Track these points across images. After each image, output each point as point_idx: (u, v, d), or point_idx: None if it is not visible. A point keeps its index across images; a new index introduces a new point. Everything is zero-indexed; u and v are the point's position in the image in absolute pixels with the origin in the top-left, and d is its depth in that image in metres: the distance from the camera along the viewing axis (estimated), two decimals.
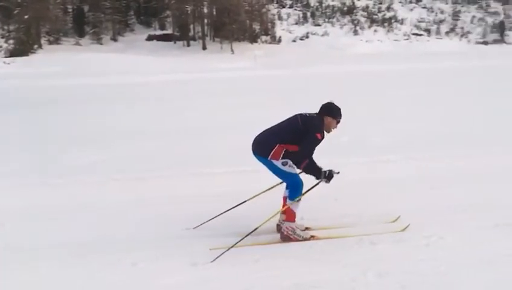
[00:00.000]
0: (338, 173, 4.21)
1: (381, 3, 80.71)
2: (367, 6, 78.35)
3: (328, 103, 4.37)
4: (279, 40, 57.58)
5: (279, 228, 4.45)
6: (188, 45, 50.32)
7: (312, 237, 4.32)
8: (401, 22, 75.72)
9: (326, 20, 71.57)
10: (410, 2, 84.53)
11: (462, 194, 5.38)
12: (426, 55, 41.53)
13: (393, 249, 4.02)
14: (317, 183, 4.27)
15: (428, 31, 76.37)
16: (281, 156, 4.15)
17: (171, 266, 3.82)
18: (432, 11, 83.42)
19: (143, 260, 3.92)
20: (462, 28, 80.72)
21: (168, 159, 7.60)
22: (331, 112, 4.29)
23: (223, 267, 3.74)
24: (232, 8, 48.93)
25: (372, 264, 3.73)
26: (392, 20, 74.79)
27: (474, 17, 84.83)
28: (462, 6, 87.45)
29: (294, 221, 4.30)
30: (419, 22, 78.59)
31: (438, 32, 76.46)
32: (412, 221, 4.50)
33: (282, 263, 3.83)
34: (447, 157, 7.03)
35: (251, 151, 4.34)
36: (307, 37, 62.92)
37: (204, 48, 49.27)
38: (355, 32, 68.65)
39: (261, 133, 4.38)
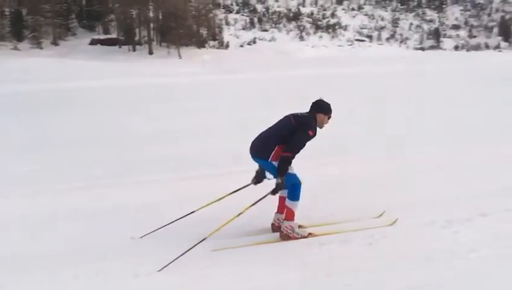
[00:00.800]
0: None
1: (325, 10, 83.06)
2: (312, 13, 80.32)
3: (318, 101, 4.47)
4: (227, 45, 57.63)
5: (274, 227, 4.53)
6: (134, 50, 49.16)
7: (310, 234, 4.40)
8: (345, 28, 78.23)
9: (273, 25, 72.62)
10: (353, 10, 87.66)
11: (398, 192, 5.55)
12: (368, 60, 43.11)
13: (341, 249, 4.10)
14: (268, 194, 4.21)
15: (370, 37, 79.38)
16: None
17: (114, 278, 3.69)
18: (373, 18, 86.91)
19: (84, 273, 3.76)
20: (401, 34, 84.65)
21: (113, 166, 7.34)
22: (322, 108, 4.41)
23: (167, 276, 3.65)
24: (179, 13, 48.32)
25: (322, 265, 3.79)
26: (336, 27, 77.08)
27: (412, 24, 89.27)
28: (400, 14, 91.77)
29: (293, 220, 4.37)
30: (362, 28, 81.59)
31: (379, 38, 79.67)
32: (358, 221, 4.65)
33: (232, 269, 3.80)
34: (379, 159, 7.28)
35: (250, 155, 4.37)
36: (255, 42, 63.43)
37: (150, 52, 48.33)
38: (301, 38, 70.07)
39: (257, 137, 4.43)
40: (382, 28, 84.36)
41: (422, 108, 12.80)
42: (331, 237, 4.31)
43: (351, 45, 71.86)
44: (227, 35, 61.10)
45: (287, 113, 4.47)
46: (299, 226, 4.46)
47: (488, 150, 7.60)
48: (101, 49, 48.04)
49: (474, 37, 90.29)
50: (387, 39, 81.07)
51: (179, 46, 47.48)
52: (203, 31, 55.02)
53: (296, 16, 76.89)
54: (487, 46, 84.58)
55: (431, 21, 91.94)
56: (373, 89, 18.64)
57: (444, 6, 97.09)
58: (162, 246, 4.20)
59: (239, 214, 4.18)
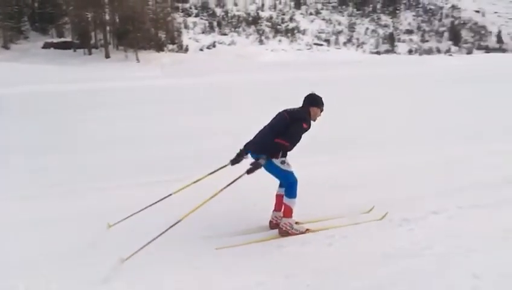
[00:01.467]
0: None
1: (284, 15, 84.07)
2: (271, 17, 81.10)
3: (311, 95, 4.59)
4: (186, 49, 57.15)
5: (272, 225, 4.66)
6: (90, 53, 47.85)
7: (307, 230, 4.51)
8: (303, 32, 79.47)
9: (233, 29, 72.70)
10: (311, 14, 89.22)
11: (356, 193, 5.62)
12: (327, 63, 43.91)
13: (300, 250, 4.10)
14: (243, 174, 4.22)
15: (328, 41, 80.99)
16: (280, 154, 4.28)
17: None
18: (331, 23, 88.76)
19: (36, 285, 3.57)
20: (357, 38, 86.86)
21: (68, 173, 7.06)
22: (315, 102, 4.52)
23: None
24: (136, 16, 47.48)
25: (281, 267, 3.78)
26: (295, 31, 78.14)
27: (367, 29, 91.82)
28: (356, 19, 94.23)
29: (291, 217, 4.47)
30: (320, 32, 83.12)
31: (336, 43, 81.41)
32: (317, 222, 4.68)
33: (185, 275, 3.73)
34: (341, 160, 7.37)
35: (248, 153, 4.50)
36: (214, 46, 63.28)
37: (107, 56, 47.18)
38: (261, 42, 70.52)
39: (255, 136, 4.54)
40: (339, 32, 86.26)
41: (381, 110, 13.08)
42: (291, 239, 4.31)
43: (309, 49, 72.99)
44: (186, 38, 60.63)
45: (280, 110, 4.53)
46: (296, 223, 4.55)
47: (442, 150, 7.83)
48: (54, 52, 46.47)
49: (427, 41, 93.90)
50: (345, 43, 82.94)
51: (136, 49, 46.61)
52: (162, 35, 54.32)
53: (255, 20, 77.40)
54: (438, 51, 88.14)
55: (386, 26, 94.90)
56: (334, 92, 18.94)
57: (397, 11, 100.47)
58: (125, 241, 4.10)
59: (213, 196, 4.18)
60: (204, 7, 76.80)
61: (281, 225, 4.48)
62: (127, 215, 4.53)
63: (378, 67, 37.44)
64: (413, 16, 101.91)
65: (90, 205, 5.50)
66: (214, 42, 64.11)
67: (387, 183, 6.00)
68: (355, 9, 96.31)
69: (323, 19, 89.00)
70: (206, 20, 73.18)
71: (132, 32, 47.05)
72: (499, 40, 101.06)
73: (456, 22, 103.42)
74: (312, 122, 4.45)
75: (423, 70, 33.48)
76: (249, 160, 4.40)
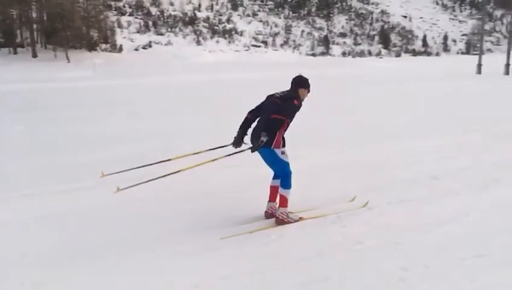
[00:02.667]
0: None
1: (221, 16, 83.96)
2: (208, 18, 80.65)
3: (299, 76, 4.82)
4: (120, 49, 55.40)
5: (267, 214, 4.87)
6: (15, 53, 45.00)
7: (300, 218, 4.74)
8: (241, 33, 79.88)
9: (169, 29, 71.42)
10: (248, 16, 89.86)
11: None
12: (265, 65, 44.43)
13: (237, 251, 4.05)
14: (244, 150, 4.62)
15: (265, 42, 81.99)
16: (281, 143, 4.53)
17: None
18: (268, 25, 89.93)
19: None
20: (294, 41, 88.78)
21: None
22: (303, 83, 4.74)
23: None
24: (66, 14, 45.26)
25: (216, 268, 3.71)
26: (233, 32, 78.33)
27: (303, 31, 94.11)
28: (293, 21, 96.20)
29: (287, 206, 4.67)
30: (257, 34, 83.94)
31: (274, 44, 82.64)
32: (256, 223, 4.68)
33: (117, 276, 3.58)
34: None
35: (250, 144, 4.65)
36: (150, 46, 61.92)
37: (34, 55, 44.58)
38: (198, 43, 69.95)
39: (255, 129, 4.67)
40: (276, 34, 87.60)
41: (315, 110, 13.36)
42: (227, 241, 4.24)
43: (247, 50, 73.48)
44: (120, 38, 58.76)
45: (269, 94, 4.71)
46: (289, 212, 4.73)
47: (371, 148, 8.10)
48: None
49: (359, 44, 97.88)
50: (282, 45, 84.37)
51: (66, 49, 44.47)
52: (94, 34, 52.25)
53: (192, 20, 76.57)
54: (370, 53, 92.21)
55: (320, 29, 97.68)
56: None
57: (331, 15, 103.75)
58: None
59: (213, 160, 4.64)
60: (139, 6, 74.75)
61: (278, 214, 4.69)
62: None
63: (314, 68, 38.40)
64: (346, 19, 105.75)
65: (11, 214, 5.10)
66: (150, 42, 62.75)
67: (318, 182, 6.08)
68: (291, 12, 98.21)
69: (260, 21, 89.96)
70: (141, 19, 71.33)
71: (61, 30, 44.81)
72: (424, 43, 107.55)
73: (386, 26, 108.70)
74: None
75: (356, 71, 34.82)
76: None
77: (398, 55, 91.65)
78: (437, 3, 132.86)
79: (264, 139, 4.31)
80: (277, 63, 46.85)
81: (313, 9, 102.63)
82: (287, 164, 4.62)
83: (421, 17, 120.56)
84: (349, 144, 8.45)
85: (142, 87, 22.66)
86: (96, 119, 12.06)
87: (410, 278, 3.43)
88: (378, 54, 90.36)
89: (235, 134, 4.75)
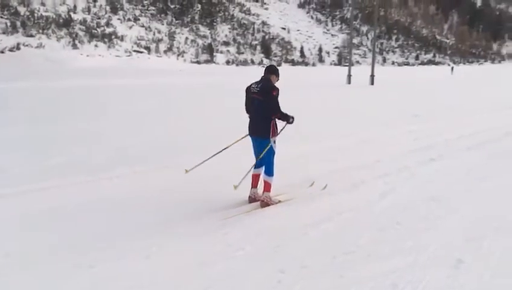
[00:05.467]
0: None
1: (99, 19, 79.88)
2: (85, 20, 76.17)
3: (270, 66, 5.55)
4: None
5: (250, 199, 5.49)
6: None
7: (279, 201, 5.48)
8: (122, 38, 76.85)
9: (41, 31, 65.88)
10: (129, 20, 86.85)
11: (162, 206, 5.51)
12: (148, 71, 43.28)
13: (116, 266, 3.82)
14: (285, 126, 5.43)
15: (148, 48, 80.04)
16: (276, 132, 5.34)
17: None
18: (150, 30, 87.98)
19: None
20: (178, 48, 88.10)
21: None
22: (274, 71, 5.42)
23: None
24: None
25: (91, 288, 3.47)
26: (113, 36, 75.00)
27: (187, 38, 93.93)
28: (176, 28, 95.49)
29: (270, 191, 5.38)
30: (139, 39, 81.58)
31: (157, 51, 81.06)
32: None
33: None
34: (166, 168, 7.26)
35: (251, 138, 5.46)
36: (19, 48, 56.48)
37: None
38: (75, 46, 65.69)
39: (253, 123, 5.37)
40: (160, 40, 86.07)
41: (200, 119, 13.37)
42: (104, 255, 3.99)
43: (129, 55, 70.99)
44: None
45: (247, 88, 5.37)
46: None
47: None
48: None
49: (242, 53, 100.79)
50: (165, 52, 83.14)
51: None
52: None
53: (67, 23, 71.62)
54: (253, 62, 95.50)
55: (204, 37, 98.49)
56: (156, 99, 18.69)
57: (215, 24, 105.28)
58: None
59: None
60: (5, 5, 67.73)
61: (263, 198, 5.36)
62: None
63: (199, 76, 38.51)
64: (229, 28, 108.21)
65: None
66: (18, 44, 57.20)
67: (200, 191, 6.07)
68: (174, 19, 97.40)
69: (143, 26, 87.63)
70: (7, 19, 64.71)
71: None
72: (302, 54, 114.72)
73: (267, 37, 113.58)
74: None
75: (241, 79, 35.68)
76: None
77: (278, 64, 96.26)
78: (312, 18, 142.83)
79: (290, 121, 5.26)
80: (161, 70, 45.96)
81: (197, 17, 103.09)
82: (274, 153, 5.37)
83: (298, 30, 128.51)
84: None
85: (8, 94, 20.42)
86: None
87: (286, 279, 3.55)
88: (261, 63, 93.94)
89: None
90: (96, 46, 68.78)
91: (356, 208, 5.24)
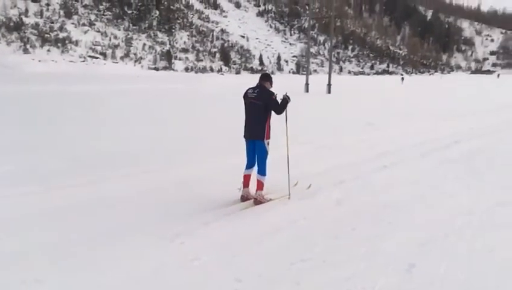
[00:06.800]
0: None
1: (52, 23, 77.32)
2: (37, 24, 73.52)
3: (265, 74, 6.01)
4: None
5: (243, 198, 5.86)
6: None
7: (270, 199, 5.87)
8: (76, 43, 74.70)
9: None
10: (84, 25, 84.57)
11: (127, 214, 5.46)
12: (103, 77, 42.24)
13: (61, 278, 3.67)
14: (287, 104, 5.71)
15: (104, 54, 78.19)
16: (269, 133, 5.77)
17: None
18: (106, 36, 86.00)
19: None
20: (135, 54, 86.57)
21: None
22: (268, 79, 5.88)
23: None
24: None
25: None
26: (66, 41, 72.78)
27: (145, 44, 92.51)
28: (133, 34, 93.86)
29: (263, 190, 5.78)
30: (95, 45, 79.58)
31: (113, 56, 79.32)
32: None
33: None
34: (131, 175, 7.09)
35: (246, 140, 5.85)
36: None
37: None
38: (26, 51, 63.20)
39: (249, 126, 5.75)
40: (116, 46, 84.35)
41: (161, 125, 13.17)
42: (54, 268, 3.82)
43: (84, 61, 69.12)
44: None
45: (244, 95, 5.78)
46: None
47: (223, 161, 8.21)
48: None
49: (201, 60, 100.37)
50: (122, 58, 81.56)
51: None
52: None
53: (18, 26, 68.86)
54: (212, 69, 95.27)
55: (163, 43, 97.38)
56: (110, 106, 18.25)
57: (173, 30, 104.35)
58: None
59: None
60: None
61: (256, 196, 5.76)
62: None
63: (156, 82, 37.98)
64: (188, 35, 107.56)
65: None
66: None
67: (163, 200, 5.97)
68: (131, 24, 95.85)
69: (98, 31, 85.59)
70: None
71: None
72: (261, 62, 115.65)
73: (226, 45, 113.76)
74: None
75: (199, 87, 35.49)
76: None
77: (238, 72, 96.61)
78: (270, 26, 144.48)
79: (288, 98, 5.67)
80: (117, 76, 44.95)
81: (155, 23, 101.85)
82: (267, 154, 5.74)
83: (257, 38, 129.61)
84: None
85: None
86: None
87: (243, 288, 3.54)
88: (220, 71, 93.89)
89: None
90: (49, 51, 66.51)
91: (312, 216, 5.30)
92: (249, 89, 5.77)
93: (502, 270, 3.94)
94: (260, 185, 5.76)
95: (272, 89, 5.83)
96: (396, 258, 4.10)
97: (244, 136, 5.85)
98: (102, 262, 4.02)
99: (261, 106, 5.57)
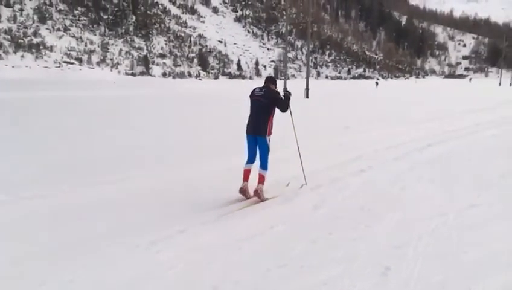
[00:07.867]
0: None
1: (26, 28, 75.81)
2: (10, 30, 71.98)
3: (270, 77, 6.47)
4: None
5: (242, 191, 6.09)
6: None
7: (267, 198, 6.11)
8: (51, 49, 73.37)
9: None
10: (59, 30, 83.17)
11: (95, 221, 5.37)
12: (79, 83, 41.57)
13: None
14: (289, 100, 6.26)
15: (80, 60, 77.03)
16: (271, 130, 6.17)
17: None
18: (82, 41, 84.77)
19: None
20: (112, 59, 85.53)
21: None
22: (273, 81, 6.43)
23: None
24: None
25: None
26: (41, 47, 71.43)
27: (121, 50, 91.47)
28: (110, 39, 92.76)
29: (264, 184, 6.12)
30: (70, 50, 78.34)
31: (89, 62, 78.20)
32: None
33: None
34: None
35: (249, 136, 6.20)
36: None
37: None
38: None
39: (252, 122, 6.15)
40: (92, 51, 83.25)
41: (135, 131, 13.02)
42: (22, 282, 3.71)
43: (59, 66, 67.96)
44: None
45: (250, 94, 6.24)
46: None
47: (202, 165, 8.17)
48: None
49: (179, 65, 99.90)
50: (98, 63, 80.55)
51: None
52: None
53: None
54: (190, 75, 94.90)
55: (140, 48, 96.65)
56: (85, 112, 17.95)
57: (150, 35, 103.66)
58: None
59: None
60: None
61: (257, 188, 6.03)
62: None
63: (134, 88, 37.56)
64: (165, 41, 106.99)
65: None
66: None
67: (136, 206, 5.88)
68: (107, 30, 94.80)
69: (74, 36, 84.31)
70: None
71: None
72: (239, 67, 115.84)
73: (204, 50, 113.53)
74: None
75: (177, 92, 35.26)
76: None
77: (216, 77, 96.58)
78: (248, 32, 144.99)
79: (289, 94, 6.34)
80: (93, 82, 44.32)
81: (131, 28, 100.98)
82: (269, 150, 6.13)
83: (235, 43, 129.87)
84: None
85: None
86: None
87: None
88: (198, 76, 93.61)
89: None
90: (22, 56, 65.14)
91: (289, 221, 5.29)
92: (256, 88, 6.30)
93: (475, 271, 4.00)
94: (262, 179, 6.11)
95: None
96: (372, 261, 4.12)
97: (247, 132, 6.23)
98: (65, 274, 3.92)
99: (267, 104, 6.07)
